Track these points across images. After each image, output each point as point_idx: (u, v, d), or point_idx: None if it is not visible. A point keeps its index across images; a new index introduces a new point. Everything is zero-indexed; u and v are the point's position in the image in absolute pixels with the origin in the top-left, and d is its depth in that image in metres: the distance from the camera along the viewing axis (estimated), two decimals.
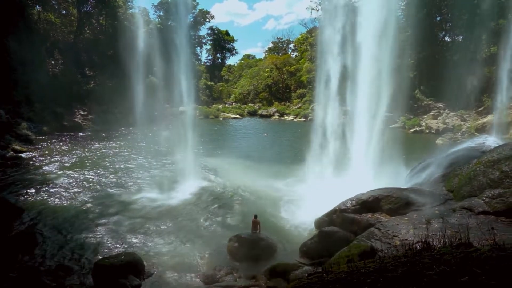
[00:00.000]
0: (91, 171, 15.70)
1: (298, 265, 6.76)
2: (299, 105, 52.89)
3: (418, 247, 3.49)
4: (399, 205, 8.10)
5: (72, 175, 14.83)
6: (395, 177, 12.49)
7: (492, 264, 2.22)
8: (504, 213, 6.32)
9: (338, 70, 14.91)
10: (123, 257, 6.79)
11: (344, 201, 9.11)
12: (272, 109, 54.51)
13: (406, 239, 5.78)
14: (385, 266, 2.70)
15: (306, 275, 3.69)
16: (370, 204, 8.58)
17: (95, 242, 8.61)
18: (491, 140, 12.52)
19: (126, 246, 8.38)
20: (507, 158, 7.20)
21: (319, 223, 9.35)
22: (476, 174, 7.72)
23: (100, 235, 9.01)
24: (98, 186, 13.53)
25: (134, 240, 8.75)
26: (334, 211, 9.03)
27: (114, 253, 7.58)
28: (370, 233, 6.96)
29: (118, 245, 8.48)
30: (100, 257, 7.46)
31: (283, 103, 57.44)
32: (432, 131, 31.44)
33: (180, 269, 7.32)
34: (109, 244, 8.52)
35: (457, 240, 3.46)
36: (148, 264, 7.32)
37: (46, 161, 17.32)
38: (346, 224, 8.42)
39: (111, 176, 15.06)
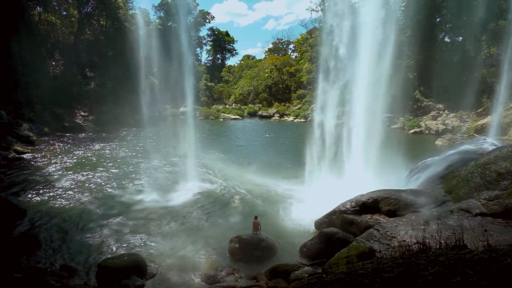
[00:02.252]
0: (92, 172, 15.80)
1: (298, 265, 6.86)
2: (299, 105, 53.02)
3: (415, 249, 3.60)
4: (397, 206, 8.21)
5: (74, 176, 14.94)
6: (395, 179, 12.59)
7: (484, 265, 2.33)
8: (501, 214, 6.42)
9: (338, 70, 14.98)
10: (126, 257, 6.90)
11: (344, 202, 9.21)
12: (272, 110, 54.64)
13: (404, 240, 5.89)
14: (383, 267, 2.81)
15: (306, 275, 3.79)
16: (369, 205, 8.69)
17: (97, 242, 8.72)
18: (489, 142, 12.63)
19: (128, 247, 8.49)
20: (504, 160, 7.32)
21: (319, 224, 9.45)
22: (474, 176, 7.83)
23: (103, 236, 9.12)
24: (99, 187, 13.63)
25: (137, 241, 8.85)
26: (333, 213, 9.13)
27: (117, 254, 7.68)
28: (369, 234, 7.06)
29: (120, 245, 8.58)
30: (103, 257, 7.56)
31: (283, 103, 57.56)
32: (432, 132, 31.54)
33: (182, 270, 7.42)
34: (112, 245, 8.62)
35: (452, 242, 3.57)
36: (151, 265, 7.43)
37: (47, 162, 17.43)
38: (345, 225, 8.53)
39: (112, 177, 15.16)
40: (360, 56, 13.57)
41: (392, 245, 5.98)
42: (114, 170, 16.41)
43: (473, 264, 2.41)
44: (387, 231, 6.91)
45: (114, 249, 8.38)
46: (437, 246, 3.43)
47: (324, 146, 14.50)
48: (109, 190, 13.44)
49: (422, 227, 6.50)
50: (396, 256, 3.28)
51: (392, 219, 7.87)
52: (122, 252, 7.98)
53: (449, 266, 2.47)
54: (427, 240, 3.80)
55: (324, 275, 3.04)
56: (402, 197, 8.44)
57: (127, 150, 21.91)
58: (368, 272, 2.71)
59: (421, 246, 3.44)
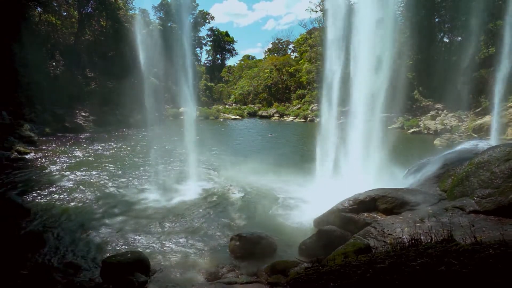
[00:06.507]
0: (94, 172, 15.99)
1: (297, 262, 7.04)
2: (299, 105, 53.28)
3: (407, 243, 3.79)
4: (394, 204, 8.39)
5: (76, 176, 15.13)
6: (393, 177, 12.82)
7: (467, 256, 2.52)
8: (493, 212, 6.62)
9: (340, 70, 15.08)
10: (129, 255, 7.06)
11: (342, 201, 9.39)
12: (272, 110, 54.87)
13: (400, 237, 6.06)
14: (375, 259, 3.00)
15: (304, 269, 3.98)
16: (366, 204, 8.87)
17: (101, 240, 8.90)
18: (484, 142, 12.86)
19: (131, 245, 8.67)
20: (497, 160, 7.51)
21: (318, 222, 9.63)
22: (468, 175, 8.02)
23: (106, 234, 9.29)
24: (101, 187, 13.81)
25: (139, 239, 9.03)
26: (332, 211, 9.31)
27: (120, 251, 7.86)
28: (366, 232, 7.25)
29: (123, 243, 8.76)
30: (107, 255, 7.73)
31: (282, 103, 57.80)
32: (431, 132, 31.77)
33: (184, 267, 7.60)
34: (115, 243, 8.80)
35: (443, 236, 3.76)
36: (153, 262, 7.60)
37: (49, 162, 17.62)
38: (343, 223, 8.71)
39: (114, 177, 15.35)
40: (358, 56, 13.72)
41: (388, 241, 6.16)
42: (115, 170, 16.60)
43: (458, 255, 2.60)
44: (384, 229, 7.10)
45: (117, 246, 8.56)
46: (428, 241, 3.62)
47: (324, 146, 14.69)
48: (111, 189, 13.62)
49: (418, 224, 6.69)
50: (388, 250, 3.48)
51: (389, 217, 8.06)
52: (125, 249, 8.15)
53: (436, 257, 2.66)
54: (419, 236, 4.00)
55: (320, 267, 3.22)
56: (399, 195, 8.63)
57: (127, 150, 22.11)
58: (361, 263, 2.89)
59: (413, 241, 3.63)
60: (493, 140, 18.74)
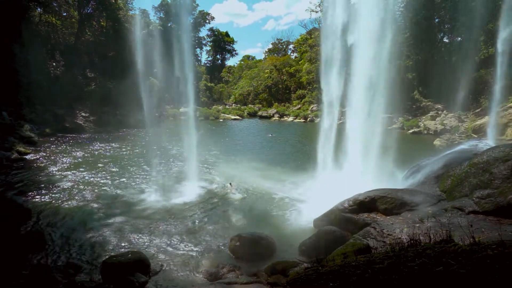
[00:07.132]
0: (94, 172, 16.01)
1: (297, 262, 7.06)
2: (299, 106, 53.32)
3: (407, 244, 3.81)
4: (394, 205, 8.42)
5: (76, 176, 15.15)
6: (393, 178, 12.84)
7: (465, 256, 2.54)
8: (492, 212, 6.65)
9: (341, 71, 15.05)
10: (130, 255, 7.09)
11: (342, 201, 9.42)
12: (272, 110, 54.88)
13: (400, 238, 6.09)
14: (374, 259, 3.02)
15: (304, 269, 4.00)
16: (366, 204, 8.90)
17: (101, 241, 8.92)
18: (484, 143, 12.90)
19: (131, 245, 8.69)
20: (496, 160, 7.53)
21: (318, 222, 9.66)
22: (467, 175, 8.05)
23: (106, 234, 9.32)
24: (101, 187, 13.84)
25: (139, 239, 9.06)
26: (332, 211, 9.34)
27: (120, 252, 7.88)
28: (366, 232, 7.27)
29: (123, 243, 8.79)
30: (107, 255, 7.75)
31: (282, 104, 57.82)
32: (431, 132, 31.78)
33: (184, 267, 7.62)
34: (115, 243, 8.82)
35: (442, 237, 3.78)
36: (154, 262, 7.62)
37: (50, 162, 17.64)
38: (343, 223, 8.74)
39: (114, 177, 15.37)
40: (357, 56, 13.72)
41: (387, 242, 6.19)
42: (115, 170, 16.62)
43: (456, 255, 2.62)
44: (383, 229, 7.13)
45: (118, 247, 8.59)
46: (427, 241, 3.64)
47: (324, 146, 14.71)
48: (111, 189, 13.65)
49: (417, 225, 6.71)
50: (387, 251, 3.50)
51: (388, 217, 8.09)
52: (126, 250, 8.18)
53: (434, 258, 2.68)
54: (418, 236, 4.02)
55: (320, 268, 3.25)
56: (399, 196, 8.65)
57: (128, 151, 22.12)
58: (360, 264, 2.92)
59: (412, 241, 3.66)
60: (490, 140, 18.77)
